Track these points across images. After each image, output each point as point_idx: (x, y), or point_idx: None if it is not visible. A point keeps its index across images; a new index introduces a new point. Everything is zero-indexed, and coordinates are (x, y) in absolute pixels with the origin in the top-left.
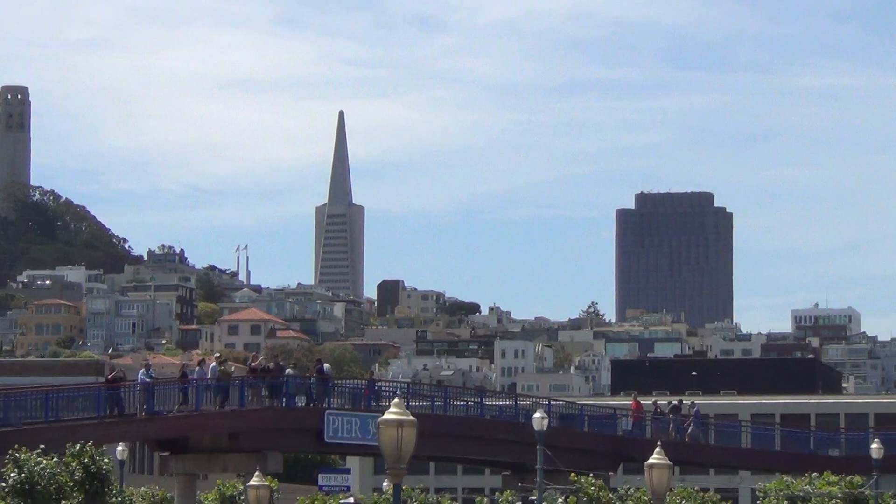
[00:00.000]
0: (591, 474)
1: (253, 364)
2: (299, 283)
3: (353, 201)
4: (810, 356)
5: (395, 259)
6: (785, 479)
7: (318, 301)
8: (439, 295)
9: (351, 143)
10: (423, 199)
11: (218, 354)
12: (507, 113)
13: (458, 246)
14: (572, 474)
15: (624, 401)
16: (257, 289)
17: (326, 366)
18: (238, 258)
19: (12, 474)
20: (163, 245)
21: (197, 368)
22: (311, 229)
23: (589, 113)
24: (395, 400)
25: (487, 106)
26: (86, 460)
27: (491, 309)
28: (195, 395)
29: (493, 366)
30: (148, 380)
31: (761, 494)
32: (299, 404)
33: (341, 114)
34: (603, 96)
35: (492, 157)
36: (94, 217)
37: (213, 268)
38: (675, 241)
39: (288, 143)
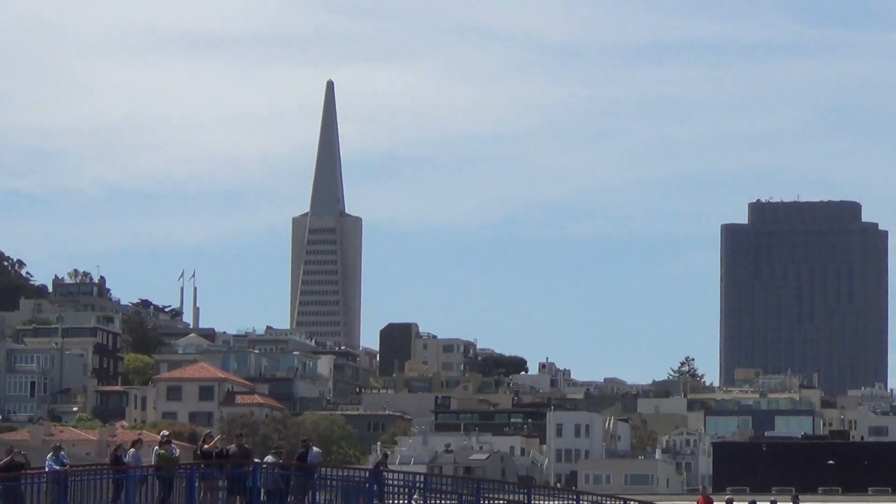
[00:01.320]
0: None
1: (206, 446)
2: (269, 328)
3: (346, 210)
4: None
5: (405, 294)
6: None
7: (296, 353)
8: (468, 346)
9: (343, 127)
10: (445, 209)
11: (165, 433)
12: (566, 85)
13: (494, 276)
14: None
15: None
16: (209, 334)
17: (315, 450)
18: (182, 290)
19: None
20: (74, 271)
21: (131, 451)
22: (286, 250)
23: (684, 87)
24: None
25: (538, 75)
26: None
27: (542, 366)
28: (125, 489)
29: (544, 447)
30: (58, 467)
31: None
32: None
33: (330, 85)
34: (704, 63)
35: (543, 148)
36: None
37: (145, 303)
38: (804, 271)
39: (255, 126)
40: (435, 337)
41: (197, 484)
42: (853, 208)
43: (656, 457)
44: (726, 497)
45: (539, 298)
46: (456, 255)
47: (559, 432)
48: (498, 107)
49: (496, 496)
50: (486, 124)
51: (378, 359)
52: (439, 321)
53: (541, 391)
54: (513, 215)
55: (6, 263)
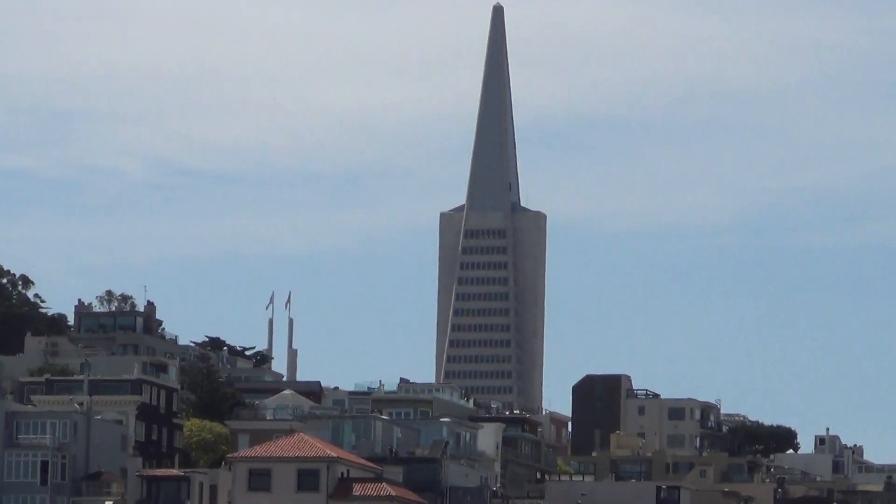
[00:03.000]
0: None
1: None
2: (404, 381)
3: (523, 203)
4: None
5: (611, 332)
6: None
7: (446, 420)
8: (707, 409)
9: (517, 77)
10: (669, 202)
11: None
12: (853, 18)
13: (745, 303)
14: None
15: None
16: (313, 390)
17: None
18: (271, 323)
19: None
20: (108, 293)
21: None
22: (430, 263)
23: None
24: None
25: (811, 4)
26: None
27: (819, 441)
28: None
29: None
30: None
31: None
32: None
33: (498, 12)
34: None
35: (816, 110)
36: None
37: (216, 343)
38: None
39: (380, 76)
40: (657, 396)
41: None
42: None
43: None
44: None
45: (813, 339)
46: (687, 273)
47: None
48: (748, 49)
49: None
50: (730, 74)
51: (570, 429)
52: (662, 373)
53: (818, 478)
54: (773, 212)
55: (5, 281)
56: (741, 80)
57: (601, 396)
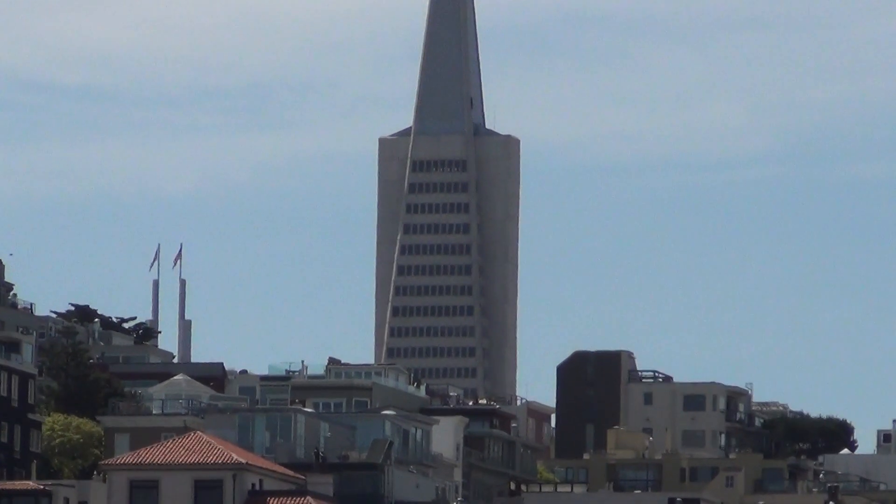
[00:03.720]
0: None
1: None
2: (333, 362)
3: (488, 125)
4: None
5: (606, 294)
6: None
7: (389, 412)
8: (734, 396)
9: None
10: (679, 124)
11: None
12: None
13: (780, 256)
14: None
15: None
16: (214, 374)
17: None
18: (156, 285)
19: None
20: None
21: None
22: (368, 204)
23: None
24: None
25: None
26: None
27: (883, 438)
28: None
29: None
30: None
31: None
32: None
33: None
34: None
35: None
36: None
37: (84, 313)
38: None
39: None
40: (668, 379)
41: None
42: None
43: None
44: None
45: (873, 305)
46: (705, 217)
47: None
48: None
49: None
50: None
51: (554, 424)
52: (674, 350)
53: (882, 487)
54: (819, 133)
55: None
56: None
57: (595, 381)
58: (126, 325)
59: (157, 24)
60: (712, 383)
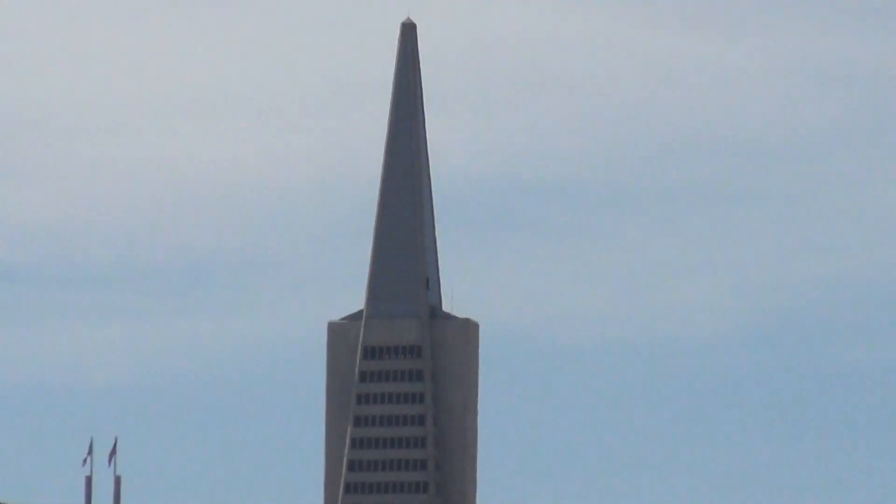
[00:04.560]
0: None
1: None
2: None
3: (445, 307)
4: None
5: (570, 489)
6: None
7: None
8: None
9: (435, 124)
10: (662, 299)
11: None
12: None
13: (766, 442)
14: None
15: None
16: None
17: None
18: (89, 483)
19: None
20: None
21: None
22: (316, 391)
23: None
24: None
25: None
26: None
27: None
28: None
29: None
30: None
31: None
32: None
33: (407, 28)
34: None
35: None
36: None
37: None
38: None
39: (231, 114)
40: None
41: None
42: None
43: None
44: None
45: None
46: (680, 407)
47: None
48: (756, 77)
49: None
50: (730, 114)
51: None
52: None
53: None
54: (797, 316)
55: None
56: (746, 122)
57: None
58: None
59: (82, 195)
60: None
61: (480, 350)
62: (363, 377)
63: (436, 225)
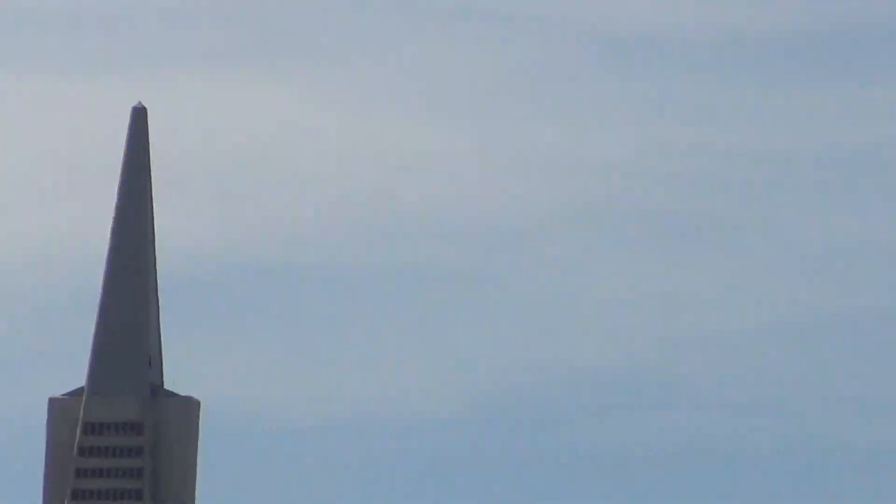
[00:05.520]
0: None
1: None
2: None
3: (167, 385)
4: None
5: None
6: None
7: None
8: None
9: (160, 192)
10: (387, 380)
11: None
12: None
13: None
14: None
15: None
16: None
17: None
18: None
19: None
20: None
21: None
22: (34, 469)
23: None
24: None
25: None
26: None
27: None
28: None
29: None
30: None
31: None
32: None
33: (138, 112)
34: None
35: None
36: None
37: None
38: None
39: None
40: None
41: None
42: None
43: None
44: None
45: None
46: (409, 486)
47: None
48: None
49: None
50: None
51: None
52: None
53: None
54: (523, 395)
55: None
56: (468, 208)
57: None
58: None
59: None
60: None
61: (201, 427)
62: (82, 452)
63: (160, 305)
